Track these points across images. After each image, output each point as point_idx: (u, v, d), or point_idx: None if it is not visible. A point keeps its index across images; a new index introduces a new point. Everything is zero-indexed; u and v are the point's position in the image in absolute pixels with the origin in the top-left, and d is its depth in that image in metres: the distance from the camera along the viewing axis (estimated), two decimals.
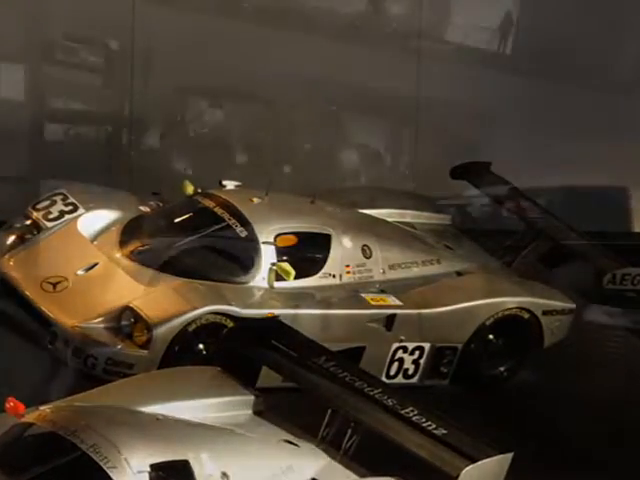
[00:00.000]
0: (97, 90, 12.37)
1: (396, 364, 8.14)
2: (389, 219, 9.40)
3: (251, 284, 7.92)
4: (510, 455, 6.21)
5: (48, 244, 8.09)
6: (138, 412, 5.99)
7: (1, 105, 11.75)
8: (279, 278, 7.89)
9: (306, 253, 8.29)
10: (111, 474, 5.13)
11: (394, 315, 8.15)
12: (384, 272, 8.53)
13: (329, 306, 8.09)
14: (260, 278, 7.91)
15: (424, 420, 6.38)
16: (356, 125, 13.21)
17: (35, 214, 8.25)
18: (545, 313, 8.75)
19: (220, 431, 6.18)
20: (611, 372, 8.98)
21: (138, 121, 12.11)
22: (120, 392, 6.45)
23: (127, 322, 7.37)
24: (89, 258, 7.91)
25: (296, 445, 6.27)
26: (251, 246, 8.00)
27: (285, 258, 8.00)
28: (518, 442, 6.54)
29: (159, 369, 7.19)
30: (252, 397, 6.60)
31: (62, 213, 8.24)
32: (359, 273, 8.37)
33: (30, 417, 5.61)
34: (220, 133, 12.61)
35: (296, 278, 7.95)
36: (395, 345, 8.10)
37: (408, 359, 8.17)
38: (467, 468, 6.02)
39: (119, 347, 7.34)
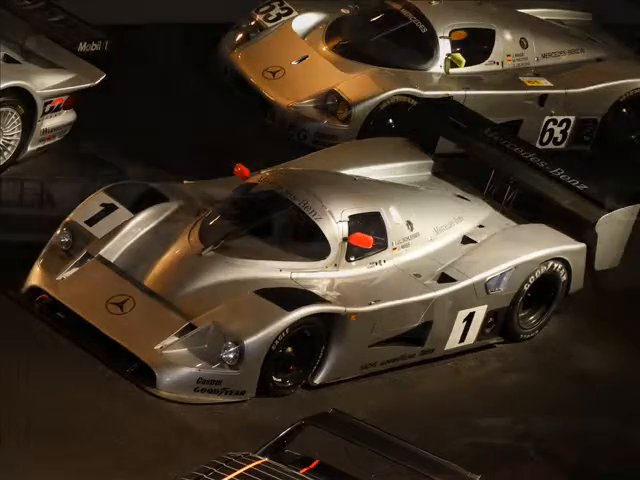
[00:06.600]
0: None
1: (547, 134, 9.70)
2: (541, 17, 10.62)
3: (430, 71, 9.50)
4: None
5: (268, 41, 9.68)
6: (339, 174, 7.76)
7: None
8: (453, 66, 9.47)
9: (475, 45, 9.73)
10: (317, 223, 6.86)
11: (546, 94, 9.65)
12: (538, 60, 9.92)
13: (493, 87, 9.63)
14: (438, 66, 9.47)
15: (569, 178, 8.03)
16: None
17: (258, 16, 9.80)
18: None
19: (405, 188, 7.88)
20: None
21: None
22: (324, 159, 8.22)
23: (332, 102, 9.09)
24: (301, 52, 9.51)
25: (467, 199, 7.99)
26: (430, 40, 9.49)
27: (458, 49, 9.51)
28: None
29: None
30: (431, 161, 8.31)
31: (279, 15, 9.75)
32: (518, 61, 9.82)
33: (253, 179, 7.31)
34: None
35: (466, 66, 9.55)
36: (547, 118, 9.64)
37: (557, 130, 9.72)
38: (603, 216, 7.67)
39: (325, 122, 9.08)
